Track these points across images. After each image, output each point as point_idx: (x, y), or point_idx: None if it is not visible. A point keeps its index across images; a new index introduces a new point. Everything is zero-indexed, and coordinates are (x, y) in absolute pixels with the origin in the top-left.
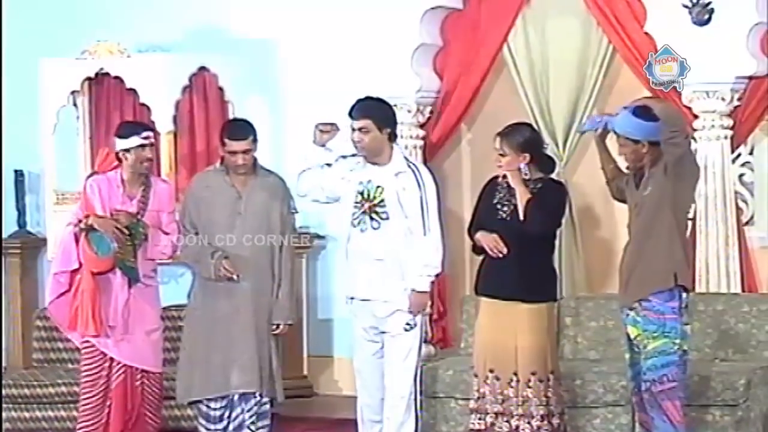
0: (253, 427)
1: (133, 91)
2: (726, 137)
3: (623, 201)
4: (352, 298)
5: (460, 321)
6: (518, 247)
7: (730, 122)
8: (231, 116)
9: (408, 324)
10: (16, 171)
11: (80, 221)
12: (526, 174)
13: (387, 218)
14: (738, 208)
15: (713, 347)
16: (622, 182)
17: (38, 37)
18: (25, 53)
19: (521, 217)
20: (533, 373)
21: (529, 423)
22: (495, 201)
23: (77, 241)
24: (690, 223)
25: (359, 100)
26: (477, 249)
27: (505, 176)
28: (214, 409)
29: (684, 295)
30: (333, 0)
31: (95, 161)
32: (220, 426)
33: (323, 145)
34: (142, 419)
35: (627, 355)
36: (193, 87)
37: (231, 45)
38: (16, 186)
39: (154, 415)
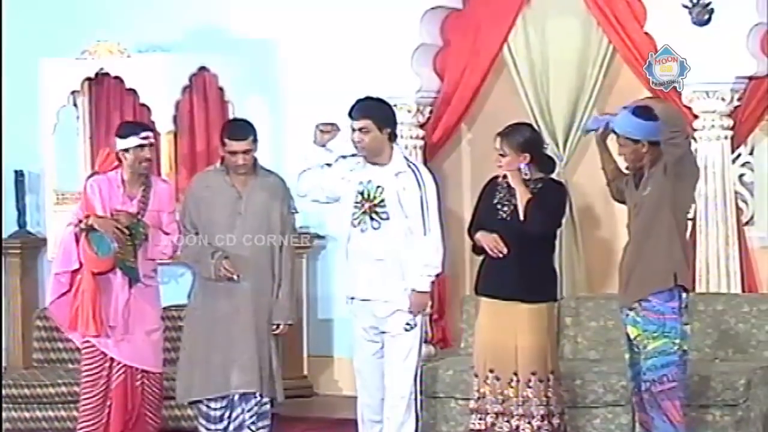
0: (253, 427)
1: (133, 91)
2: (726, 137)
3: (623, 202)
4: (352, 298)
5: (460, 321)
6: (518, 247)
7: (730, 122)
8: (231, 116)
9: (408, 324)
10: (16, 171)
11: (80, 221)
12: (526, 174)
13: (387, 218)
14: (738, 208)
15: (713, 347)
16: (622, 183)
17: (38, 37)
18: (25, 53)
19: (521, 217)
20: (533, 373)
21: (529, 423)
22: (495, 201)
23: (77, 241)
24: (690, 223)
25: (359, 100)
26: (477, 249)
27: (505, 176)
28: (215, 409)
29: (684, 295)
30: (333, 0)
31: (95, 161)
32: (220, 426)
33: (323, 145)
34: (142, 419)
35: (627, 356)
36: (193, 87)
37: (231, 45)
38: (16, 186)
39: (154, 415)
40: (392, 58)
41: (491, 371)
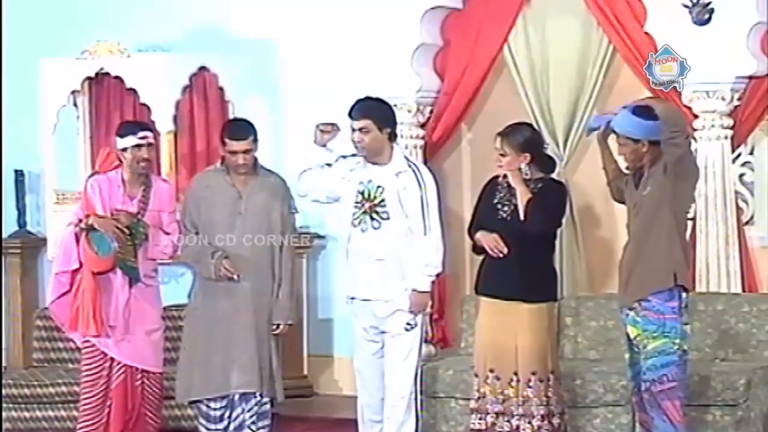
0: (253, 427)
1: (133, 90)
2: (726, 137)
3: (622, 202)
4: (352, 298)
5: (460, 321)
6: (518, 246)
7: (730, 122)
8: (231, 116)
9: (408, 324)
10: (16, 171)
11: (81, 221)
12: (526, 174)
13: (387, 218)
14: (738, 208)
15: (713, 347)
16: (622, 183)
17: (38, 37)
18: (25, 53)
19: (522, 217)
20: (533, 373)
21: (529, 423)
22: (495, 201)
23: (78, 241)
24: (690, 223)
25: (359, 101)
26: (477, 249)
27: (505, 176)
28: (215, 409)
29: (684, 294)
30: (333, 0)
31: (96, 161)
32: (220, 426)
33: (324, 145)
34: (142, 419)
35: (627, 355)
36: (194, 87)
37: (231, 45)
38: (16, 186)
39: (154, 415)
40: (392, 58)
41: (491, 371)
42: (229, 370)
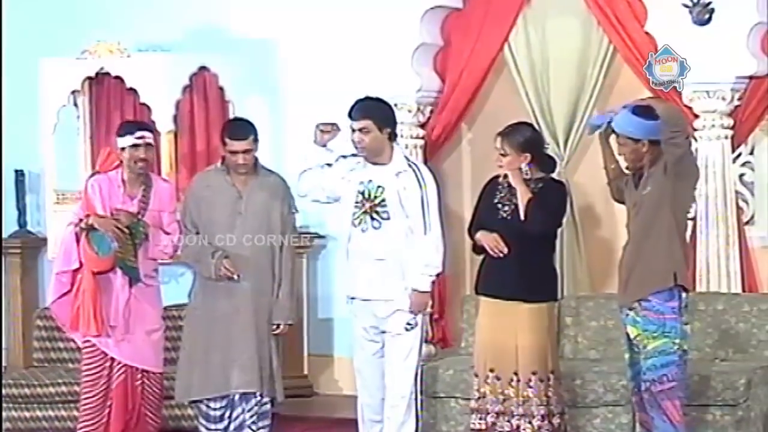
0: (254, 427)
1: (133, 90)
2: (726, 137)
3: (622, 202)
4: (352, 298)
5: (460, 321)
6: (519, 246)
7: (730, 122)
8: (231, 116)
9: (409, 323)
10: (16, 171)
11: (81, 221)
12: (526, 174)
13: (388, 218)
14: (738, 208)
15: (713, 347)
16: (622, 182)
17: (38, 37)
18: (25, 53)
19: (522, 217)
20: (534, 373)
21: (529, 422)
22: (496, 200)
23: (78, 240)
24: (690, 223)
25: (359, 101)
26: (477, 249)
27: (505, 176)
28: (215, 409)
29: (684, 294)
30: (333, 0)
31: (96, 161)
32: (220, 426)
33: (324, 145)
34: (142, 419)
35: (627, 355)
36: (194, 87)
37: (231, 45)
38: (16, 186)
39: (154, 415)
40: (392, 58)
41: (492, 371)
42: (229, 370)
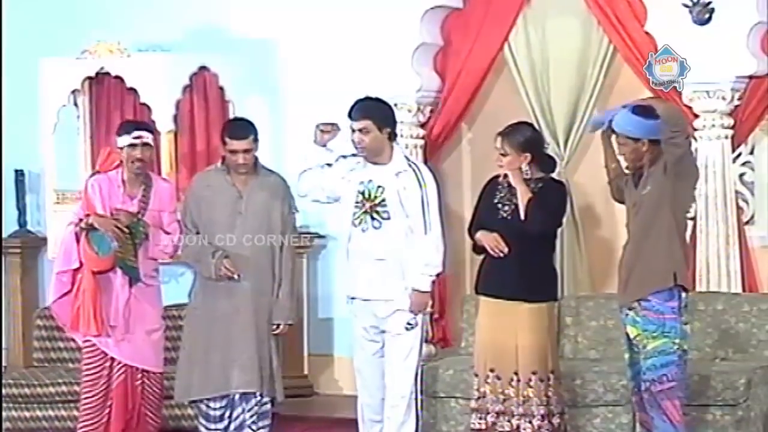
0: (254, 427)
1: (133, 90)
2: (726, 137)
3: (622, 202)
4: (353, 298)
5: (460, 320)
6: (519, 246)
7: (730, 122)
8: (231, 116)
9: (409, 323)
10: (16, 170)
11: (81, 220)
12: (527, 173)
13: (388, 218)
14: (738, 208)
15: (713, 347)
16: (622, 182)
17: (38, 37)
18: (25, 53)
19: (522, 217)
20: (534, 373)
21: (530, 422)
22: (496, 200)
23: (78, 240)
24: (690, 223)
25: (358, 101)
26: (477, 248)
27: (505, 175)
28: (214, 409)
29: (683, 294)
30: (333, 0)
31: (96, 161)
32: (220, 426)
33: (324, 145)
34: (142, 419)
35: (626, 355)
36: (194, 86)
37: (231, 45)
38: (16, 185)
39: (154, 415)
40: (392, 58)
41: (492, 371)
42: (229, 369)
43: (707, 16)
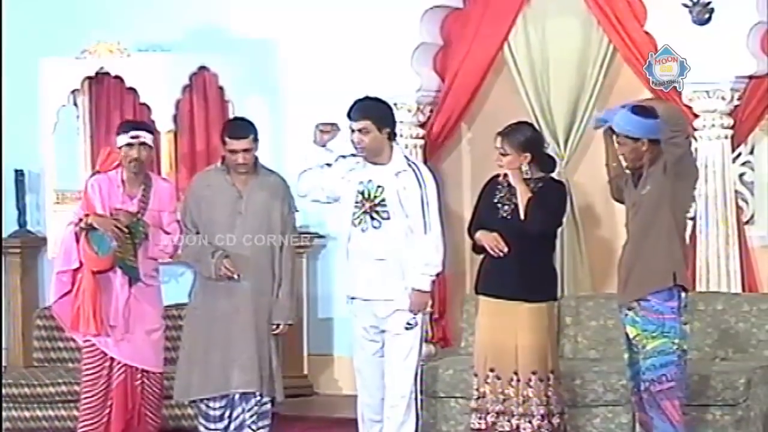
0: (254, 427)
1: (133, 90)
2: (726, 137)
3: (622, 201)
4: (353, 298)
5: (460, 320)
6: (519, 246)
7: (730, 121)
8: (231, 116)
9: (409, 323)
10: (16, 170)
11: (80, 220)
12: (527, 173)
13: (388, 218)
14: (738, 208)
15: (713, 347)
16: (622, 182)
17: (38, 37)
18: (25, 53)
19: (522, 216)
20: (534, 373)
21: (529, 422)
22: (495, 200)
23: (78, 240)
24: (690, 223)
25: (357, 101)
26: (477, 248)
27: (505, 175)
28: (214, 409)
29: (683, 294)
30: (333, 0)
31: (96, 160)
32: (220, 426)
33: (324, 145)
34: (142, 419)
35: (626, 355)
36: (194, 86)
37: (231, 45)
38: (16, 185)
39: (154, 415)
40: (392, 58)
41: (491, 370)
42: (229, 369)
43: (707, 16)
